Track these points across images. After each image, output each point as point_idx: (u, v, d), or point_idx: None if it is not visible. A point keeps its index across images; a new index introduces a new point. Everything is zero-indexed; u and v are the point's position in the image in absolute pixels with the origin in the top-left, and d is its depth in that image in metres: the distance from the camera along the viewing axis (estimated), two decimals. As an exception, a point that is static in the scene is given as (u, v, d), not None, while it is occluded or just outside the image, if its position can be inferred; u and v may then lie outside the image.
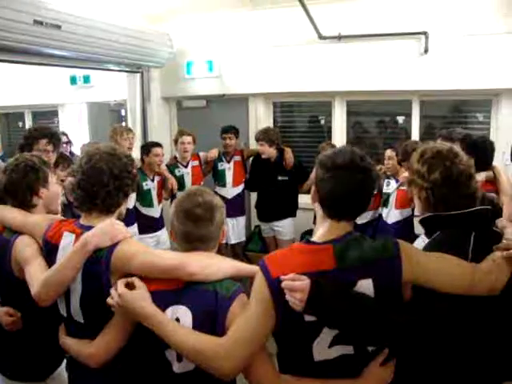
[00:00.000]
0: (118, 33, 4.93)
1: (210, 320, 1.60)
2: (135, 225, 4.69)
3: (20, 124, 7.98)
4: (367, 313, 1.45)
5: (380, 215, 4.36)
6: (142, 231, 4.76)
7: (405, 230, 3.89)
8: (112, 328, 1.73)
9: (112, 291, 1.66)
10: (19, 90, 7.20)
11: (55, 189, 2.28)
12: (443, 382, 1.64)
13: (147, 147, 4.92)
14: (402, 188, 3.99)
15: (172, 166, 5.18)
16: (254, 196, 5.50)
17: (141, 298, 1.61)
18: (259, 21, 5.52)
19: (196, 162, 5.28)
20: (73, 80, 6.90)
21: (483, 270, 1.55)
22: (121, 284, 1.66)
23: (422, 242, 1.83)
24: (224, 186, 5.33)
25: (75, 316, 1.83)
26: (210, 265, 1.66)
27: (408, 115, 5.39)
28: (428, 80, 4.91)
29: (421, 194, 1.78)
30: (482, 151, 3.21)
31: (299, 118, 6.20)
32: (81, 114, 7.57)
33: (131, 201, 4.48)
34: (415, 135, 5.29)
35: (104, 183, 1.81)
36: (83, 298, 1.78)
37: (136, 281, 1.66)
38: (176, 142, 5.23)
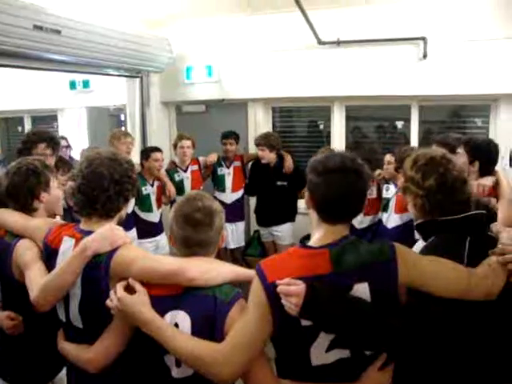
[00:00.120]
0: (117, 38, 4.94)
1: (209, 325, 1.59)
2: (134, 229, 4.68)
3: (19, 129, 7.96)
4: (363, 317, 1.45)
5: (380, 220, 4.36)
6: (141, 236, 4.76)
7: (405, 234, 3.87)
8: (111, 333, 1.73)
9: (111, 294, 1.66)
10: (19, 95, 7.19)
11: (57, 193, 2.28)
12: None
13: (147, 152, 4.92)
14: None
15: (171, 170, 5.18)
16: (253, 201, 5.50)
17: (140, 302, 1.61)
18: (258, 26, 5.53)
19: (195, 167, 5.28)
20: (72, 85, 6.90)
21: (479, 274, 1.55)
22: (120, 287, 1.66)
23: (421, 246, 1.83)
24: (223, 191, 5.33)
25: (74, 321, 1.83)
26: (209, 270, 1.66)
27: (407, 120, 5.40)
28: (427, 85, 4.93)
29: (416, 202, 1.79)
30: (487, 154, 3.14)
31: (298, 122, 6.21)
32: (80, 118, 7.55)
33: (130, 205, 4.47)
34: (414, 140, 5.29)
35: (104, 188, 1.81)
36: (82, 303, 1.78)
37: (136, 285, 1.66)
38: (175, 146, 5.23)
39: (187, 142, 5.15)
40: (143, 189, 4.78)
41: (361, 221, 4.43)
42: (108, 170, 1.83)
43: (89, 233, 1.79)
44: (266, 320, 1.50)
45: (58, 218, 2.31)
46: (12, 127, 8.24)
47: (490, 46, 4.62)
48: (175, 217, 1.74)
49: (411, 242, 1.96)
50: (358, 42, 5.11)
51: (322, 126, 5.93)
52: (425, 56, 4.86)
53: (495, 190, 3.12)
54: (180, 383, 1.65)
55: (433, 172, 1.74)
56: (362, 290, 1.50)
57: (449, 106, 5.35)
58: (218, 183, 5.38)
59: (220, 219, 1.76)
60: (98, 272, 1.73)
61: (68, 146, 6.13)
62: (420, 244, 1.88)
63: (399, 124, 5.54)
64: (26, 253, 1.97)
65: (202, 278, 1.63)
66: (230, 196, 5.32)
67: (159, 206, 4.97)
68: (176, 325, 1.61)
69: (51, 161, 3.26)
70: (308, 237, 1.64)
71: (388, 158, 4.41)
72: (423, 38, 4.83)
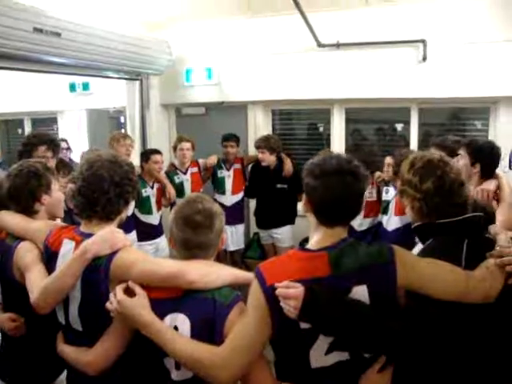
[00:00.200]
0: (117, 40, 4.95)
1: (209, 328, 1.59)
2: (134, 232, 4.68)
3: (19, 131, 7.98)
4: (362, 319, 1.45)
5: (379, 222, 4.36)
6: (140, 238, 4.76)
7: (405, 236, 3.85)
8: (110, 335, 1.73)
9: (111, 296, 1.66)
10: (19, 97, 7.20)
11: (58, 195, 2.28)
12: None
13: (146, 154, 4.93)
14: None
15: (171, 172, 5.18)
16: (253, 203, 5.50)
17: (140, 305, 1.61)
18: (258, 28, 5.54)
19: (195, 169, 5.28)
20: (72, 87, 6.91)
21: (477, 277, 1.55)
22: (120, 290, 1.65)
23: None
24: (223, 193, 5.33)
25: (73, 324, 1.83)
26: (209, 273, 1.66)
27: (406, 123, 5.41)
28: (426, 88, 4.94)
29: (414, 204, 1.78)
30: (489, 157, 3.09)
31: (298, 125, 6.21)
32: (80, 121, 7.57)
33: (130, 208, 4.47)
34: (414, 142, 5.30)
35: (105, 190, 1.81)
36: (82, 306, 1.78)
37: (136, 288, 1.66)
38: (175, 148, 5.23)
39: (187, 144, 5.15)
40: (143, 191, 4.78)
41: (360, 223, 4.43)
42: (108, 173, 1.83)
43: (89, 235, 1.79)
44: (265, 323, 1.50)
45: (58, 221, 2.31)
46: (12, 129, 8.25)
47: (490, 48, 4.62)
48: (175, 219, 1.74)
49: (411, 244, 1.95)
50: (357, 45, 5.11)
51: (321, 129, 5.94)
52: (424, 58, 4.87)
53: (497, 194, 3.11)
54: (180, 386, 1.65)
55: (430, 175, 1.74)
56: (360, 292, 1.50)
57: (448, 109, 5.36)
58: (218, 185, 5.38)
59: (220, 221, 1.76)
60: (98, 275, 1.72)
61: (68, 148, 6.14)
62: (420, 246, 1.88)
63: (399, 126, 5.55)
64: (26, 255, 1.97)
65: (201, 280, 1.63)
66: (229, 198, 5.32)
67: (159, 209, 4.97)
68: (175, 327, 1.61)
69: (52, 163, 3.27)
70: (307, 239, 1.64)
71: (388, 160, 4.41)
72: (423, 41, 4.84)
